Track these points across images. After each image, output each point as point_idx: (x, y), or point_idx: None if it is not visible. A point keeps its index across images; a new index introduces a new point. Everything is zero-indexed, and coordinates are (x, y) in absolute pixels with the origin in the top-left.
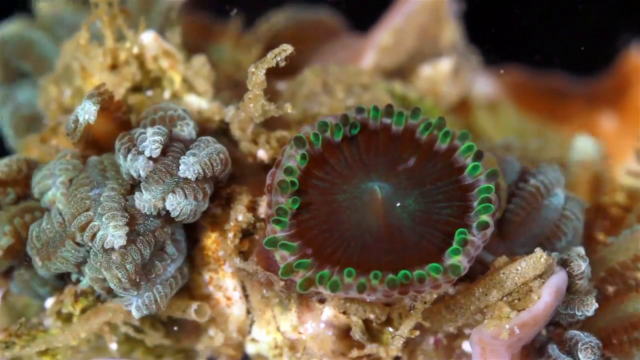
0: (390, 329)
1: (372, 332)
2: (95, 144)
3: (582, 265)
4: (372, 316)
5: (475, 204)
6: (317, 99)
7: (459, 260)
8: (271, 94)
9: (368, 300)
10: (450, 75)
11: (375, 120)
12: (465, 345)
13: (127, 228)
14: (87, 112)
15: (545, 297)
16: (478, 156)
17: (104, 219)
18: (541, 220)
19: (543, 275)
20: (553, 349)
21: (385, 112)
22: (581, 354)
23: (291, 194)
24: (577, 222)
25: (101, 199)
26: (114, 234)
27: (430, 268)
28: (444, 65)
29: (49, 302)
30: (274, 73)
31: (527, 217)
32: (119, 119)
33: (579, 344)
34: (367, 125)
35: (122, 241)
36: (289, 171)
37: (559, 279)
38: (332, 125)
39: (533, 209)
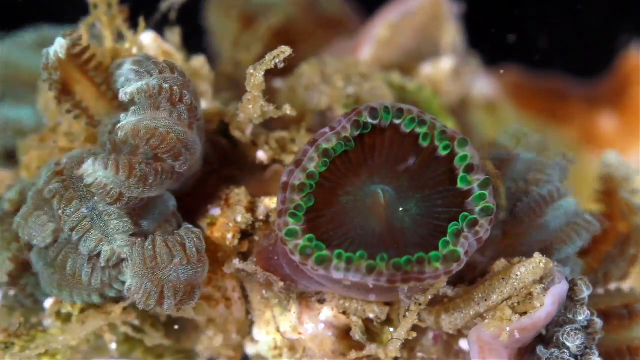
0: (391, 329)
1: (372, 333)
2: (69, 93)
3: (584, 292)
4: (371, 316)
5: (474, 209)
6: (316, 88)
7: (456, 247)
8: (270, 92)
9: (371, 286)
10: (451, 75)
11: (386, 120)
12: (463, 344)
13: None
14: (57, 44)
15: (547, 307)
16: (469, 168)
17: (117, 240)
18: (546, 226)
19: (542, 280)
20: (540, 350)
21: (395, 114)
22: (568, 340)
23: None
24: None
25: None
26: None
27: (430, 256)
28: (445, 64)
29: (48, 302)
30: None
31: (532, 224)
32: (92, 76)
33: (563, 333)
34: (377, 124)
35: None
36: (311, 176)
37: (561, 288)
38: (352, 138)
39: (538, 216)
